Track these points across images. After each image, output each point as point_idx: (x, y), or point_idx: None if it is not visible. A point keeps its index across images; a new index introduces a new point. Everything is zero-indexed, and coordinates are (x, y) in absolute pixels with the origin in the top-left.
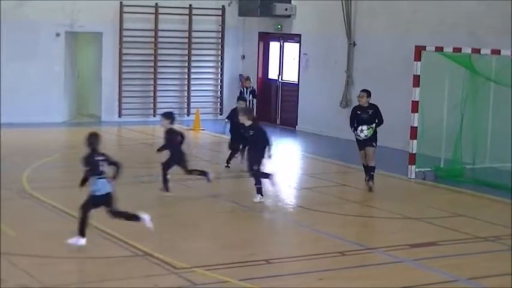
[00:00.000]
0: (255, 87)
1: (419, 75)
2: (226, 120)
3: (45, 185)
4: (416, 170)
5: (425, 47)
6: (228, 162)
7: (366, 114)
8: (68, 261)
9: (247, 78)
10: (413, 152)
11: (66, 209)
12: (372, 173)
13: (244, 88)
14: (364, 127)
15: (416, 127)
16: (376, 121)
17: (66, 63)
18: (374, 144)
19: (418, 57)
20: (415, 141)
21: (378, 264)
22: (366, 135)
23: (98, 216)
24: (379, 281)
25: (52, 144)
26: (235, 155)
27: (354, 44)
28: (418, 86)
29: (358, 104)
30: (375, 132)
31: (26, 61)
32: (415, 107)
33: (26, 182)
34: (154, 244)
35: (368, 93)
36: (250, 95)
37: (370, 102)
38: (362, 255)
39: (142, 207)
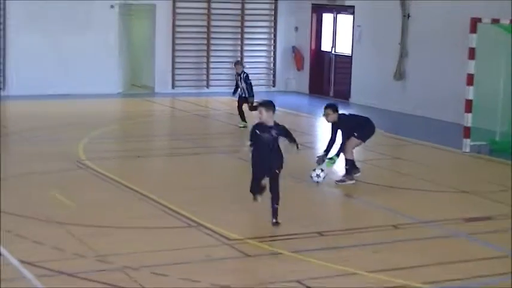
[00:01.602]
0: (303, 60)
1: (474, 48)
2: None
3: (101, 156)
4: (471, 143)
5: (480, 19)
6: None
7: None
8: (122, 231)
9: (238, 62)
10: (468, 125)
11: (121, 180)
12: (345, 166)
13: (236, 74)
14: (319, 171)
15: (471, 100)
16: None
17: (120, 35)
18: (355, 134)
19: (473, 29)
20: (469, 114)
21: (431, 237)
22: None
23: (152, 187)
24: (434, 254)
25: (107, 115)
26: None
27: (408, 16)
28: (473, 59)
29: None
30: (361, 126)
31: (81, 33)
32: (470, 80)
33: (82, 152)
34: (208, 215)
35: (333, 108)
36: (244, 82)
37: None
38: (415, 228)
39: (196, 178)
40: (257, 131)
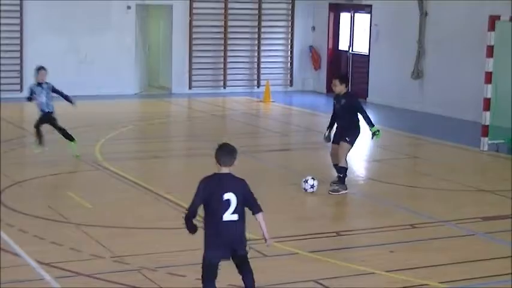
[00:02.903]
0: (321, 59)
1: (493, 46)
2: None
3: (118, 157)
4: (489, 142)
5: (499, 16)
6: None
7: (338, 104)
8: (139, 232)
9: (41, 68)
10: (486, 124)
11: (137, 181)
12: (339, 174)
13: (38, 84)
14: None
15: (490, 98)
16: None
17: (137, 36)
18: (347, 139)
19: (492, 27)
20: (488, 112)
21: (449, 237)
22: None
23: (169, 187)
24: (452, 254)
25: (124, 116)
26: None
27: (426, 14)
28: (492, 57)
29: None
30: (354, 124)
31: (98, 34)
32: (488, 78)
33: (99, 153)
34: None
35: (340, 79)
36: (45, 94)
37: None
38: (433, 227)
39: None
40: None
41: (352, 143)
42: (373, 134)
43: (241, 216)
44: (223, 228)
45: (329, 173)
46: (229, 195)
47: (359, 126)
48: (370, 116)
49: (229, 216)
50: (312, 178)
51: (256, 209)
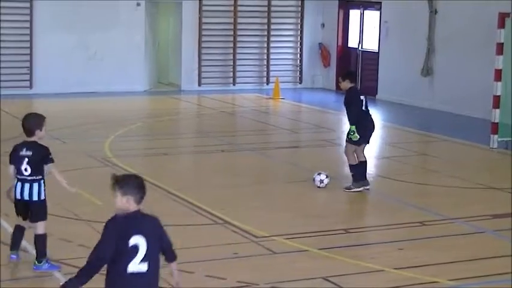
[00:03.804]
0: (330, 56)
1: (502, 43)
2: None
3: (127, 153)
4: (499, 139)
5: (509, 13)
6: None
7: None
8: None
9: None
10: (496, 121)
11: (147, 177)
12: (350, 172)
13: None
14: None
15: (499, 96)
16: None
17: (146, 32)
18: (348, 138)
19: (501, 24)
20: (497, 110)
21: (459, 234)
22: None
23: (178, 184)
24: (461, 251)
25: (134, 113)
26: None
27: (436, 12)
28: (502, 54)
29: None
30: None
31: (108, 31)
32: (498, 75)
33: (109, 150)
34: (234, 212)
35: (342, 76)
36: None
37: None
38: (443, 225)
39: (222, 175)
40: None
41: (351, 141)
42: (348, 133)
43: (153, 266)
44: (127, 283)
45: (338, 170)
46: (137, 240)
47: (362, 123)
48: (377, 114)
49: (136, 266)
50: (325, 175)
51: (171, 255)
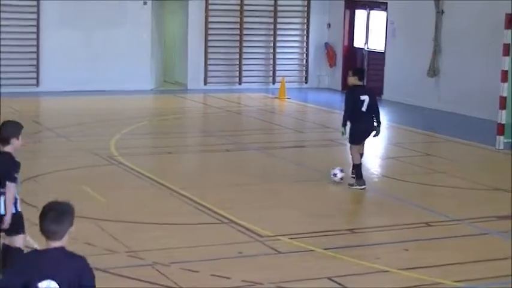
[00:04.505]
0: (336, 56)
1: (509, 44)
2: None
3: (133, 152)
4: (505, 140)
5: None
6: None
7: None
8: (153, 227)
9: None
10: (502, 123)
11: (152, 176)
12: (352, 170)
13: None
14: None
15: (505, 97)
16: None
17: (153, 31)
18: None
19: (508, 25)
20: (503, 111)
21: (464, 235)
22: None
23: (184, 183)
24: (466, 252)
25: (140, 111)
26: None
27: (442, 12)
28: (508, 55)
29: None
30: (351, 120)
31: (114, 29)
32: (504, 76)
33: (115, 148)
34: (239, 212)
35: (352, 71)
36: None
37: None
38: (448, 226)
39: (228, 175)
40: None
41: (350, 141)
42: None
43: None
44: None
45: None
46: (48, 285)
47: (353, 123)
48: (382, 114)
49: None
50: (340, 170)
51: None
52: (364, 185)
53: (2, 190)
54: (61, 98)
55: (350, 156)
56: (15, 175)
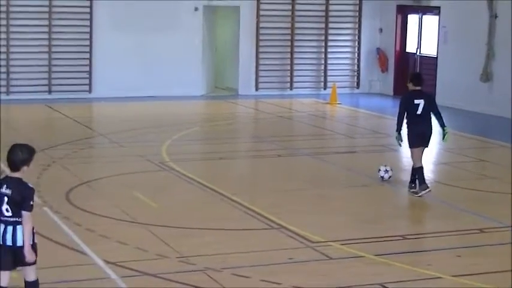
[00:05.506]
0: (388, 61)
1: None
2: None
3: (184, 158)
4: None
5: None
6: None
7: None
8: (204, 232)
9: None
10: None
11: (203, 181)
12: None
13: None
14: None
15: None
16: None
17: (204, 37)
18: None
19: None
20: None
21: None
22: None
23: (235, 189)
24: None
25: (191, 117)
26: None
27: (496, 16)
28: None
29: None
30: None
31: (166, 35)
32: None
33: (166, 154)
34: (290, 217)
35: (410, 77)
36: None
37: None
38: (502, 232)
39: (278, 180)
40: None
41: (409, 145)
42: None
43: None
44: None
45: (395, 176)
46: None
47: (409, 126)
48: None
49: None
50: (385, 168)
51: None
52: (428, 188)
53: (18, 219)
54: (113, 104)
55: (414, 160)
56: (31, 203)
